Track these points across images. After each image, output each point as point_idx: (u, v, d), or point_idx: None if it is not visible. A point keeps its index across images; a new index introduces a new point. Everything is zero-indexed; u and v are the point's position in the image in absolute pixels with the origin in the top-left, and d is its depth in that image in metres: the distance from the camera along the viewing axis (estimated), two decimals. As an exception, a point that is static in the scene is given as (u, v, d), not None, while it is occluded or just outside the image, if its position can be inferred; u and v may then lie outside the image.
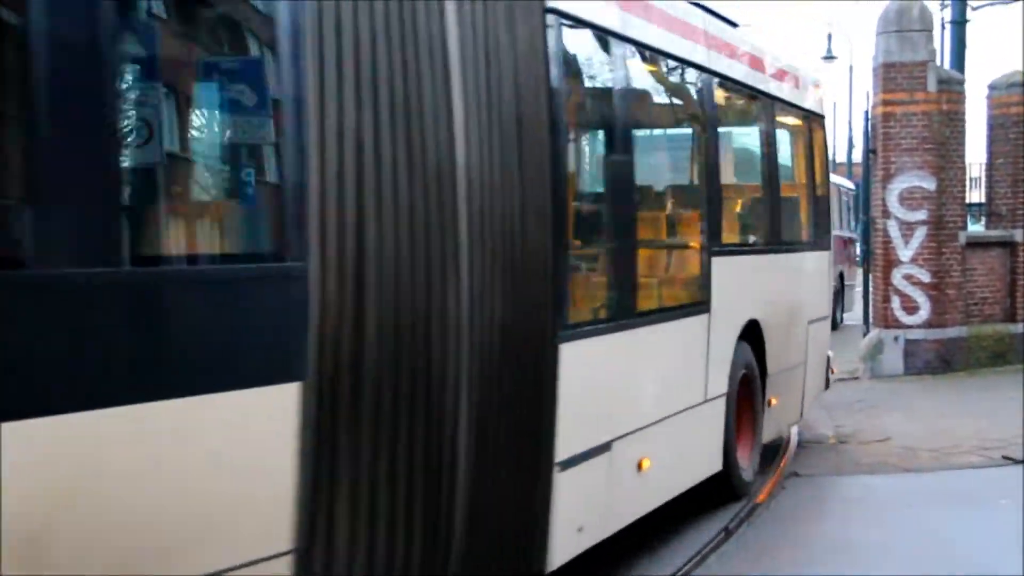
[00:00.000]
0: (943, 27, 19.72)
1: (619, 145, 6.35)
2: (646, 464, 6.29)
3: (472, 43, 4.69)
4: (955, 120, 14.57)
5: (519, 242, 4.92)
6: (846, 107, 42.96)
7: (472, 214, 4.58)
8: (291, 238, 3.81)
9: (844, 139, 43.58)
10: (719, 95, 7.97)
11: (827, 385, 10.50)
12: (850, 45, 70.26)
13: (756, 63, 8.73)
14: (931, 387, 13.41)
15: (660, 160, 8.01)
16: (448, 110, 4.50)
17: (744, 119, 9.28)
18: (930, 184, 14.25)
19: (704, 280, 7.32)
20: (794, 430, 10.78)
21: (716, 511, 7.77)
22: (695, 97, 7.75)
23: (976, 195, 18.70)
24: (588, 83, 6.41)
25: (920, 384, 13.65)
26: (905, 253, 14.30)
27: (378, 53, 4.11)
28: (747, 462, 8.20)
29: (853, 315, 22.69)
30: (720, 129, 7.93)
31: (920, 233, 14.27)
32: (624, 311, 6.18)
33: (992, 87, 15.68)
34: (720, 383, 7.56)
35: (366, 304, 4.01)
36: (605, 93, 6.34)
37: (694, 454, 7.27)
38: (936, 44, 15.28)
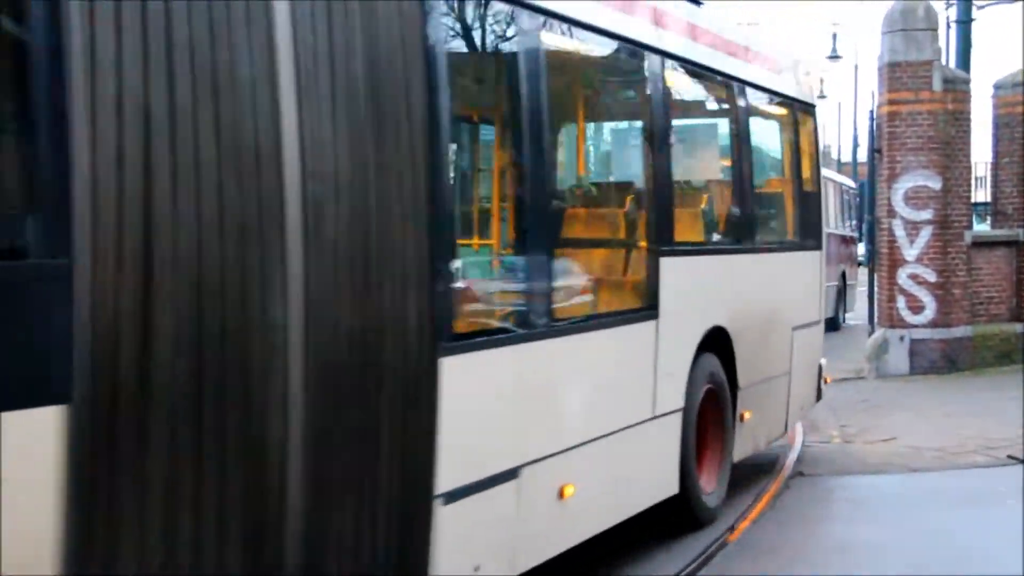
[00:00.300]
0: (948, 26, 19.71)
1: (533, 136, 5.42)
2: (569, 491, 5.55)
3: (310, 14, 3.94)
4: (960, 119, 14.56)
5: (379, 245, 4.20)
6: (851, 107, 42.88)
7: (309, 215, 3.87)
8: (49, 228, 3.10)
9: (849, 138, 43.57)
10: (673, 79, 7.17)
11: (819, 396, 9.73)
12: (855, 44, 70.22)
13: (725, 46, 7.91)
14: (936, 387, 13.40)
15: (592, 152, 7.44)
16: (273, 95, 3.79)
17: (709, 106, 8.59)
18: (935, 183, 14.23)
19: (651, 283, 6.60)
20: (799, 427, 10.78)
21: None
22: (640, 81, 6.94)
23: (982, 194, 18.69)
24: (491, 66, 5.69)
25: (925, 384, 13.63)
26: (911, 252, 14.29)
27: (175, 18, 3.43)
28: (712, 484, 7.46)
29: (853, 315, 22.71)
30: (675, 117, 7.24)
31: (926, 232, 14.26)
32: (536, 319, 5.36)
33: (997, 86, 15.66)
34: (674, 397, 6.79)
35: (155, 313, 3.32)
36: (515, 78, 5.41)
37: (639, 477, 6.50)
38: (941, 43, 15.26)
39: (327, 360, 3.95)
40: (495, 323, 5.41)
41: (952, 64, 16.48)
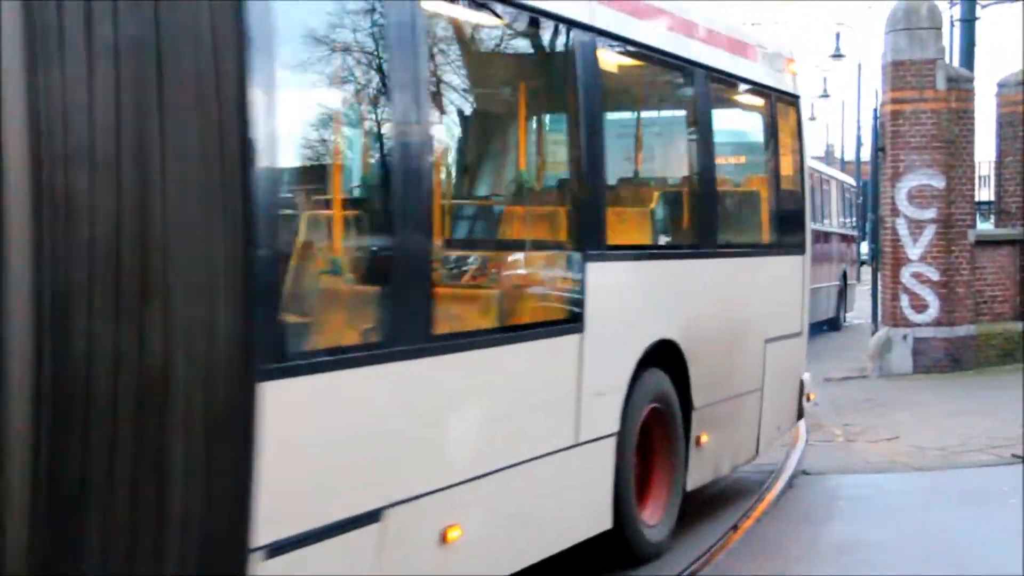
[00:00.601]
0: (952, 25, 19.69)
1: (404, 119, 4.58)
2: (455, 534, 4.75)
3: None
4: (964, 118, 14.54)
5: (165, 247, 3.43)
6: (855, 105, 42.85)
7: (43, 208, 3.19)
8: None
9: (853, 137, 43.54)
10: (608, 60, 6.32)
11: (800, 414, 8.94)
12: (859, 43, 70.11)
13: (682, 27, 7.11)
14: (940, 385, 13.39)
15: (495, 144, 6.48)
16: None
17: (660, 94, 7.77)
18: (939, 182, 14.22)
19: (574, 292, 5.78)
20: (803, 427, 10.78)
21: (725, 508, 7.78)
22: (562, 60, 6.02)
23: (985, 193, 18.68)
24: (348, 34, 4.73)
25: (929, 382, 13.62)
26: (914, 251, 14.28)
27: None
28: (657, 515, 6.68)
29: (853, 314, 22.71)
30: (613, 104, 6.54)
31: (929, 231, 14.25)
32: (405, 335, 4.48)
33: (1001, 85, 15.66)
34: (605, 421, 6.01)
35: None
36: (384, 52, 4.62)
37: (557, 513, 5.67)
38: (945, 42, 15.25)
39: (68, 391, 3.23)
40: (355, 339, 4.54)
41: (956, 63, 16.46)
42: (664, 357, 6.57)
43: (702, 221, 7.33)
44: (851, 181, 26.72)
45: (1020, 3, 19.62)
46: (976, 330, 14.54)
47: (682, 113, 7.68)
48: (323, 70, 4.62)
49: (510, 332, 5.44)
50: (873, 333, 15.47)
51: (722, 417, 7.41)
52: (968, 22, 17.61)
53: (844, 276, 22.15)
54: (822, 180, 20.99)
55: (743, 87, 8.17)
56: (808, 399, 9.01)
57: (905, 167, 14.28)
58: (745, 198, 8.51)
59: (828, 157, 50.86)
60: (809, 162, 21.96)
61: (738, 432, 7.77)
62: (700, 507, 7.73)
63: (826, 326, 20.28)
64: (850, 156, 45.30)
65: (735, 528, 7.35)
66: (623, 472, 6.17)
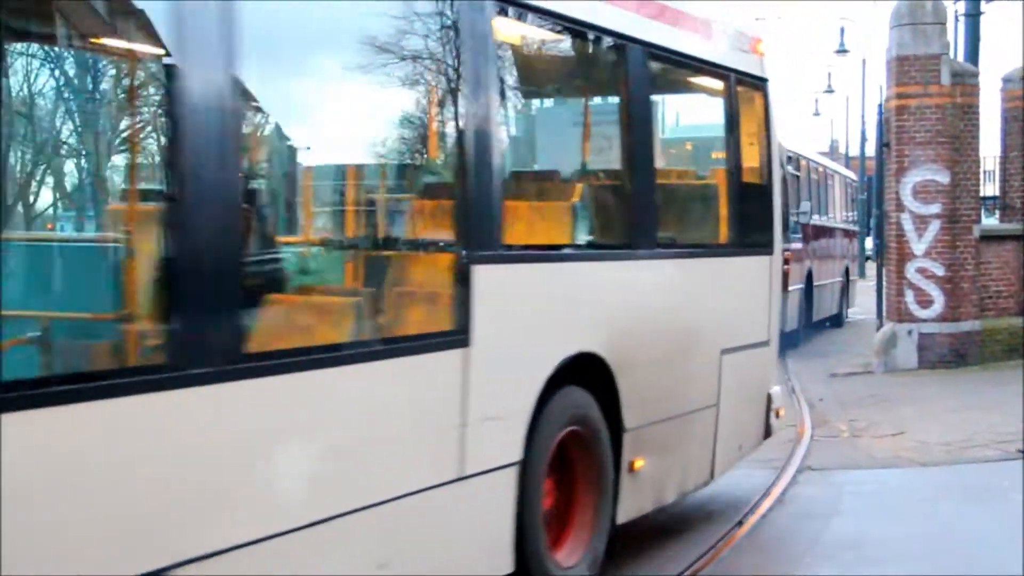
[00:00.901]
0: (957, 20, 19.65)
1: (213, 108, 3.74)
2: None
3: None
4: (969, 113, 14.52)
5: None
6: (859, 101, 42.82)
7: None
8: None
9: (857, 133, 43.50)
10: (509, 31, 5.56)
11: (767, 432, 7.91)
12: (863, 39, 70.06)
13: None
14: (945, 381, 13.39)
15: (340, 127, 5.19)
16: None
17: (585, 71, 6.76)
18: (944, 177, 14.20)
19: (457, 299, 4.87)
20: (807, 422, 10.77)
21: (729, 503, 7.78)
22: (443, 31, 5.06)
23: (990, 188, 18.65)
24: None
25: (934, 378, 13.61)
26: (919, 247, 14.27)
27: None
28: (575, 555, 5.80)
29: (854, 310, 22.69)
30: (512, 82, 5.64)
31: (934, 227, 14.23)
32: (214, 353, 3.67)
33: (1006, 80, 15.63)
34: (502, 449, 5.14)
35: None
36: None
37: (436, 557, 4.84)
38: (949, 37, 15.22)
39: None
40: (141, 360, 3.75)
41: (960, 58, 16.43)
42: (586, 373, 5.73)
43: (638, 218, 6.37)
44: (852, 176, 26.75)
45: (1025, -2, 19.58)
46: (981, 325, 14.53)
47: (613, 94, 6.62)
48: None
49: (360, 349, 4.45)
50: (878, 329, 15.46)
51: (664, 438, 6.52)
52: (972, 17, 17.59)
53: (847, 272, 22.20)
54: (826, 174, 21.00)
55: (694, 67, 7.25)
56: (777, 415, 7.95)
57: (910, 162, 14.27)
58: (697, 192, 7.67)
59: (833, 152, 50.81)
60: (815, 156, 21.65)
61: (686, 454, 6.86)
62: (702, 504, 7.74)
63: (828, 322, 20.32)
64: (855, 151, 45.25)
65: (740, 523, 7.36)
66: (529, 506, 5.29)
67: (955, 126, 14.30)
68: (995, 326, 14.68)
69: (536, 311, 5.41)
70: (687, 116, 8.22)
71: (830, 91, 50.05)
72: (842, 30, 38.30)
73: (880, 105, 15.54)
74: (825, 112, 57.00)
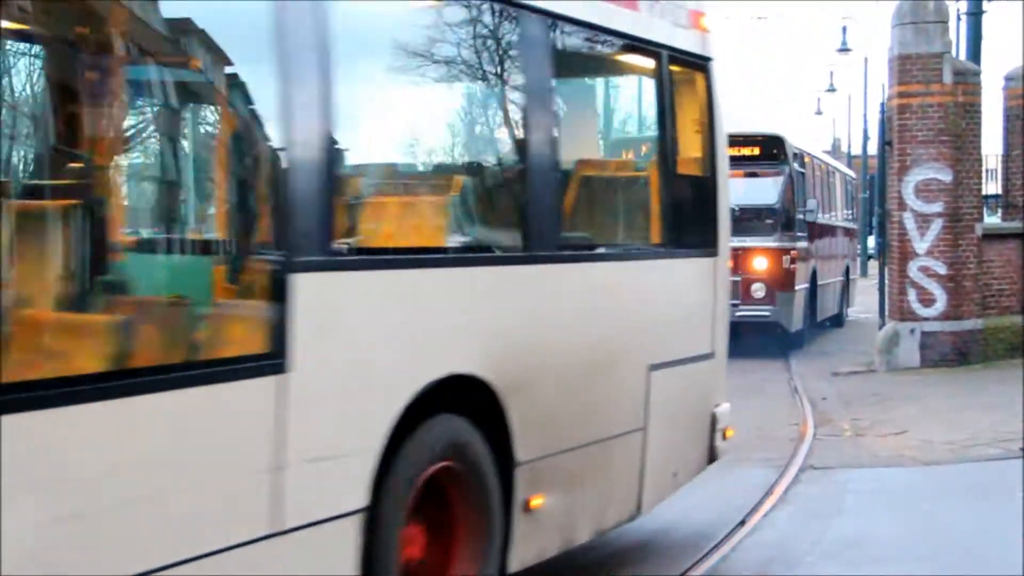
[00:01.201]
0: (959, 19, 19.66)
1: None
2: None
3: None
4: (971, 112, 14.51)
5: None
6: (861, 100, 42.80)
7: None
8: None
9: (860, 131, 43.49)
10: None
11: (712, 456, 6.94)
12: (865, 37, 70.00)
13: None
14: (948, 379, 13.38)
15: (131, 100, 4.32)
16: None
17: (463, 44, 5.35)
18: (946, 176, 14.20)
19: (270, 315, 4.00)
20: (810, 421, 10.77)
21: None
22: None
23: (992, 187, 18.65)
24: None
25: (937, 376, 13.61)
26: (921, 245, 14.26)
27: None
28: None
29: (853, 309, 22.65)
30: (348, 58, 4.42)
31: (936, 225, 14.22)
32: None
33: (1008, 78, 15.62)
34: (339, 495, 4.26)
35: None
36: None
37: None
38: (952, 36, 15.22)
39: None
40: None
41: (963, 56, 16.43)
42: (465, 398, 4.86)
43: (535, 216, 5.36)
44: (852, 173, 26.78)
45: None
46: (983, 324, 14.52)
47: (501, 70, 5.56)
48: None
49: (132, 379, 3.55)
50: (880, 327, 15.46)
51: (572, 470, 5.58)
52: (974, 16, 17.59)
53: (847, 271, 22.12)
54: (828, 171, 20.98)
55: (611, 41, 6.25)
56: (724, 436, 7.01)
57: (912, 161, 14.27)
58: (619, 186, 6.80)
59: (835, 151, 50.79)
60: (819, 154, 21.35)
61: (604, 487, 5.92)
62: (705, 503, 7.74)
63: (829, 322, 20.23)
64: (857, 150, 45.23)
65: (742, 523, 7.35)
66: (380, 560, 4.42)
67: (957, 125, 14.30)
68: (997, 324, 14.68)
69: (385, 328, 4.45)
70: (610, 100, 7.09)
71: (832, 90, 50.02)
72: (844, 29, 38.28)
73: (882, 104, 15.56)
74: (827, 111, 57.01)
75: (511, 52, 5.49)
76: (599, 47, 6.32)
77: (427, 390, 4.60)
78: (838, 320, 20.79)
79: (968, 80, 14.55)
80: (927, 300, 14.28)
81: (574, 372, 5.61)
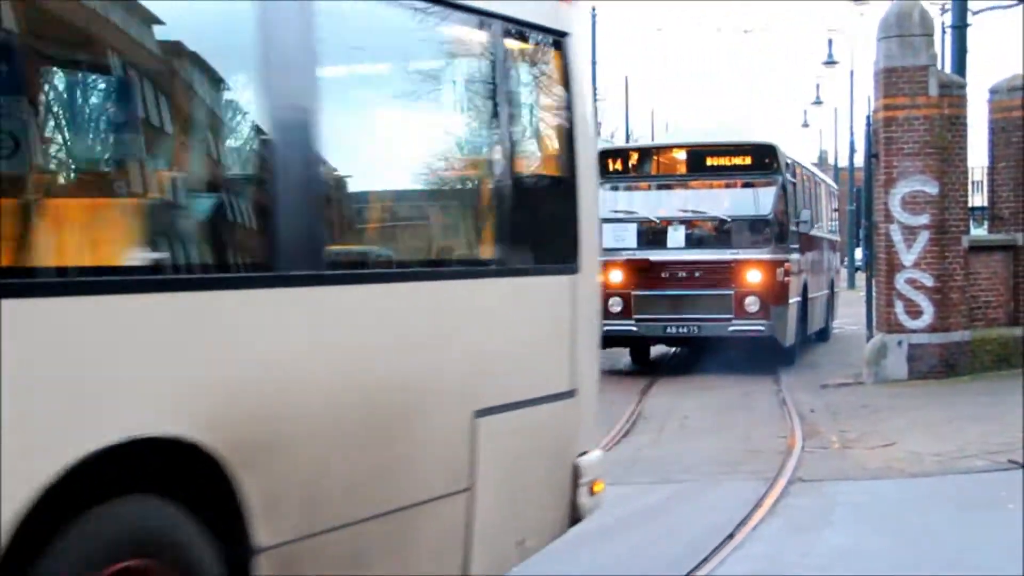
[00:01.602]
0: (944, 31, 19.74)
1: None
2: None
3: None
4: (957, 124, 14.57)
5: None
6: (848, 112, 42.97)
7: None
8: None
9: (846, 144, 43.63)
10: None
11: (575, 517, 5.58)
12: (851, 50, 70.40)
13: None
14: (935, 391, 13.39)
15: None
16: None
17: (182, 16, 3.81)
18: (932, 188, 14.24)
19: None
20: (798, 433, 10.76)
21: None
22: None
23: (979, 199, 18.72)
24: None
25: (924, 388, 13.62)
26: (908, 257, 14.29)
27: None
28: None
29: (837, 323, 22.60)
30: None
31: (923, 237, 14.26)
32: None
33: (993, 91, 15.69)
34: None
35: None
36: None
37: None
38: (937, 48, 15.28)
39: None
40: None
41: (948, 69, 16.49)
42: (174, 470, 3.57)
43: (284, 228, 4.01)
44: (834, 184, 26.88)
45: (1012, 9, 19.69)
46: (970, 336, 14.55)
47: (260, 47, 3.98)
48: None
49: None
50: (868, 339, 15.48)
51: (355, 550, 4.27)
52: (959, 28, 17.65)
53: (832, 284, 22.01)
54: (815, 182, 20.96)
55: (441, 15, 4.91)
56: (592, 492, 5.61)
57: (898, 173, 14.30)
58: (427, 190, 5.23)
59: (822, 163, 50.96)
60: (807, 164, 21.03)
61: (410, 565, 4.61)
62: (691, 517, 7.72)
63: (815, 336, 19.97)
64: (843, 162, 45.38)
65: (731, 536, 7.33)
66: None
67: (943, 137, 14.34)
68: (985, 336, 14.71)
69: (14, 376, 3.05)
70: (416, 81, 5.10)
71: (819, 102, 50.22)
72: (830, 42, 38.49)
73: (868, 116, 15.59)
74: (814, 123, 57.19)
75: (250, 19, 3.93)
76: (392, 13, 4.73)
77: (93, 461, 3.22)
78: (824, 333, 20.73)
79: (954, 93, 14.61)
80: (914, 312, 14.30)
81: (354, 426, 4.25)
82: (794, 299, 16.69)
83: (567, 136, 5.63)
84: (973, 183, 16.43)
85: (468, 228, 5.42)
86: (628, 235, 16.50)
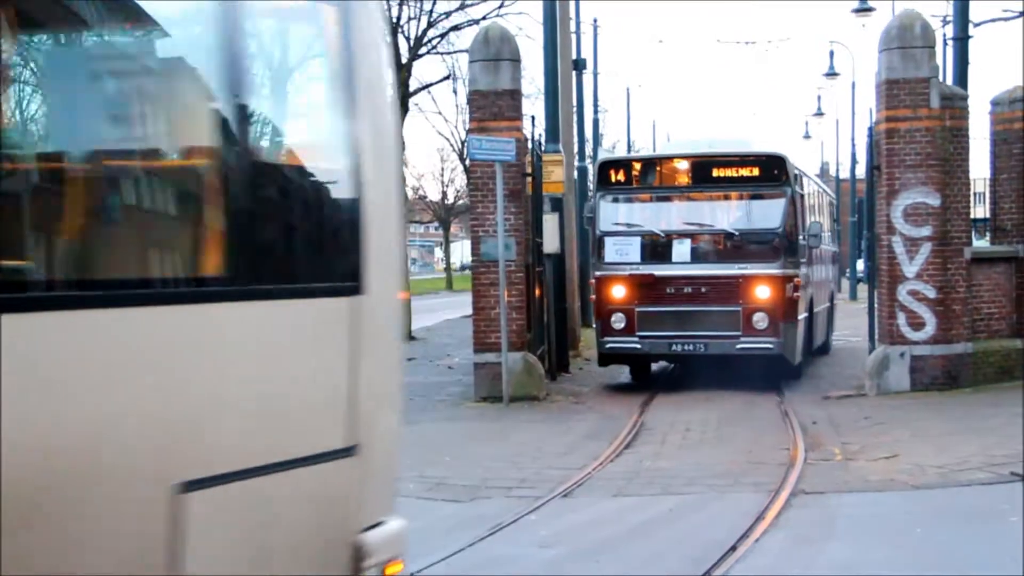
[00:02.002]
0: (945, 44, 19.77)
1: None
2: None
3: None
4: (959, 136, 14.57)
5: None
6: (849, 124, 42.97)
7: None
8: None
9: (848, 155, 43.64)
10: None
11: None
12: (853, 61, 70.41)
13: None
14: (938, 403, 13.37)
15: None
16: None
17: None
18: (934, 200, 14.24)
19: None
20: (801, 445, 10.75)
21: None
22: None
23: (981, 211, 18.72)
24: None
25: (927, 400, 13.60)
26: (910, 269, 14.28)
27: None
28: None
29: (836, 335, 22.43)
30: None
31: (925, 249, 14.25)
32: None
33: (995, 103, 15.70)
34: None
35: None
36: None
37: None
38: (939, 60, 15.30)
39: None
40: None
41: (949, 81, 16.51)
42: None
43: None
44: (833, 194, 26.84)
45: (1017, 20, 19.72)
46: (973, 347, 14.53)
47: None
48: None
49: None
50: (870, 351, 15.46)
51: None
52: (961, 40, 17.67)
53: (832, 296, 21.72)
54: (820, 194, 20.79)
55: None
56: (385, 574, 4.19)
57: (900, 185, 14.30)
58: (113, 185, 3.66)
59: (824, 175, 50.98)
60: (810, 174, 20.61)
61: None
62: (695, 530, 7.70)
63: (817, 349, 19.60)
64: (845, 174, 45.39)
65: (734, 548, 7.32)
66: None
67: (945, 149, 14.35)
68: (987, 348, 14.69)
69: None
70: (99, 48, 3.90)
71: (820, 114, 50.19)
72: (831, 53, 38.49)
73: (870, 128, 15.58)
74: (816, 135, 57.20)
75: None
76: None
77: None
78: (825, 346, 20.58)
79: (955, 104, 14.62)
80: (917, 324, 14.29)
81: None
82: (803, 315, 16.09)
83: (346, 119, 4.31)
84: (975, 195, 16.40)
85: (188, 236, 3.86)
86: (631, 249, 15.94)
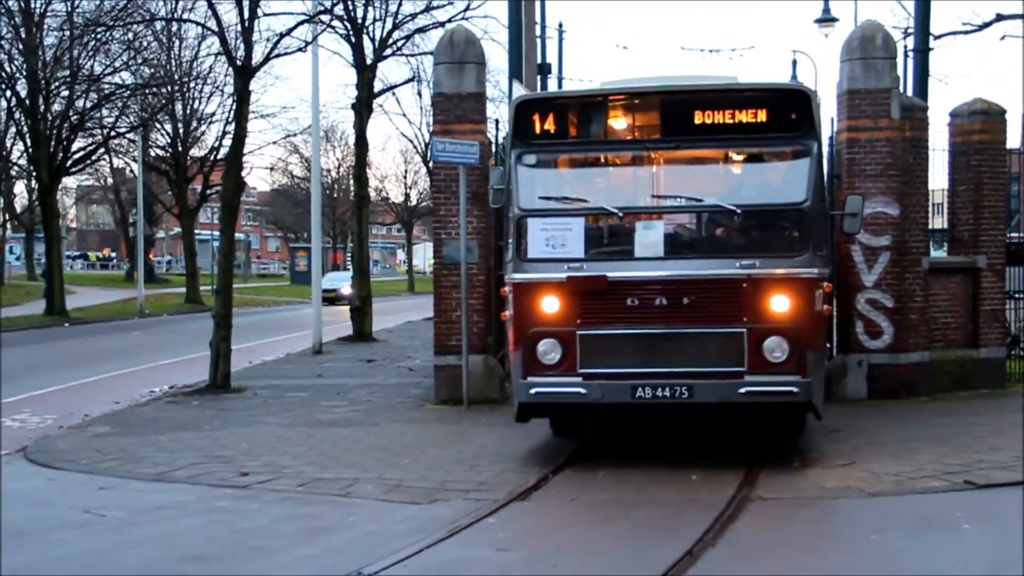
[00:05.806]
0: (906, 55, 19.97)
1: None
2: None
3: None
4: (918, 147, 14.72)
5: None
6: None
7: None
8: None
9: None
10: None
11: None
12: (814, 71, 71.18)
13: None
14: (894, 412, 13.48)
15: None
16: None
17: None
18: (894, 210, 14.37)
19: None
20: (758, 452, 10.77)
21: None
22: None
23: (939, 221, 18.88)
24: None
25: (883, 409, 13.71)
26: (869, 278, 14.41)
27: None
28: None
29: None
30: None
31: (883, 258, 14.38)
32: None
33: (953, 115, 15.86)
34: None
35: None
36: None
37: None
38: (899, 72, 15.44)
39: None
40: None
41: (910, 92, 16.66)
42: None
43: None
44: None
45: (976, 33, 19.91)
46: (930, 356, 14.68)
47: None
48: None
49: None
50: (828, 359, 15.55)
51: None
52: (922, 52, 17.86)
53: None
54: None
55: None
56: None
57: (860, 194, 14.40)
58: None
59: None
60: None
61: None
62: (649, 531, 7.71)
63: None
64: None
65: (690, 553, 7.34)
66: None
67: (905, 159, 14.49)
68: (943, 357, 14.84)
69: None
70: None
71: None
72: (794, 63, 38.87)
73: (831, 138, 15.68)
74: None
75: None
76: None
77: None
78: None
79: (915, 116, 14.77)
80: (875, 332, 14.42)
81: None
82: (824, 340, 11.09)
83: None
84: (933, 205, 16.53)
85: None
86: (570, 238, 10.20)
